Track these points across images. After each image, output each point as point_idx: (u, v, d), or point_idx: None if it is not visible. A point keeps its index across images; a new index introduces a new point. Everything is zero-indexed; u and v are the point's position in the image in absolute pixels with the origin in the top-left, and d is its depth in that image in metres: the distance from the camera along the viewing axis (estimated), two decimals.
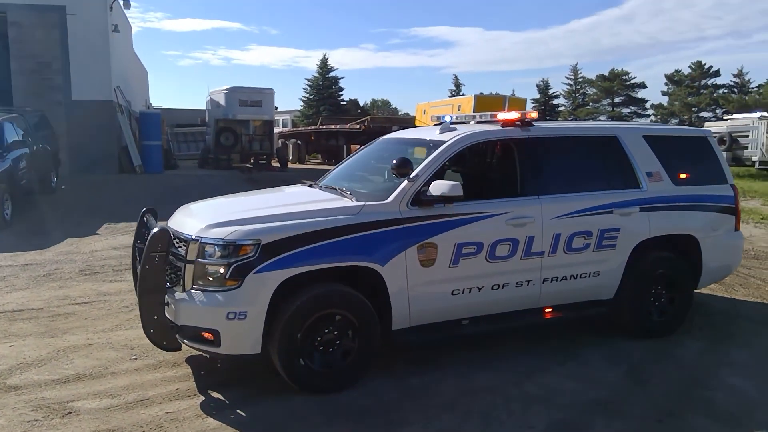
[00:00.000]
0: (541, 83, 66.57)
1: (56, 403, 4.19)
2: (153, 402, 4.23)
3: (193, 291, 4.20)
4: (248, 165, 21.60)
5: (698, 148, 5.82)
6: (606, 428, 3.84)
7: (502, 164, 5.02)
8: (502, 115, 5.18)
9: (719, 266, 5.79)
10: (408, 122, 18.04)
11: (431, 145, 4.92)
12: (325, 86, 53.56)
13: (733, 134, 21.60)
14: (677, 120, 56.60)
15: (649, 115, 61.34)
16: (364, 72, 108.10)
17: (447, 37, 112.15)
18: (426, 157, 4.74)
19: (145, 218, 5.17)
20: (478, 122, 5.43)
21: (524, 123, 5.13)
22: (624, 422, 3.93)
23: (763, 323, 5.89)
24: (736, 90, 55.84)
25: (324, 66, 53.92)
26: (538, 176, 5.02)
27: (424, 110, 33.00)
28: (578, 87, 64.65)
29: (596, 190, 5.20)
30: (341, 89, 54.73)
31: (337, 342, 4.35)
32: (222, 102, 20.70)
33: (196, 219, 4.55)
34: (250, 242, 4.10)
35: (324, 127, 20.82)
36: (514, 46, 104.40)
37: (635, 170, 5.36)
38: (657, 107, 59.24)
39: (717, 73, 56.60)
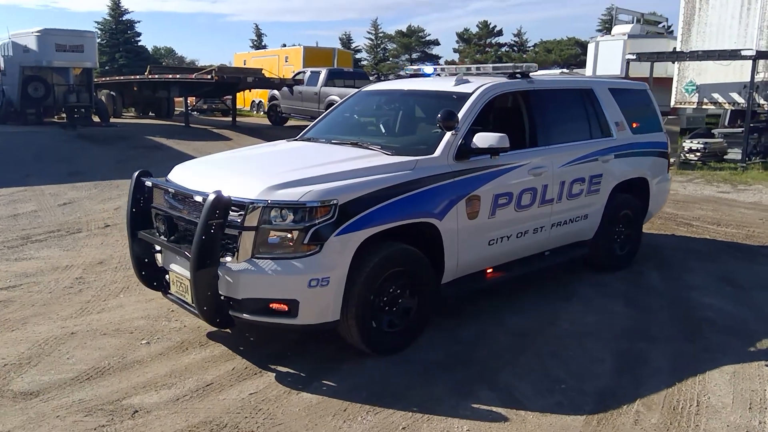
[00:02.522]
0: (344, 36, 67.38)
1: (106, 403, 3.56)
2: (222, 386, 3.79)
3: (257, 260, 3.79)
4: (59, 119, 18.97)
5: (642, 99, 6.55)
6: (661, 353, 4.32)
7: (515, 116, 5.17)
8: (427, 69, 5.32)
9: (657, 205, 6.67)
10: (256, 74, 17.17)
11: (455, 98, 4.90)
12: (119, 30, 48.30)
13: None
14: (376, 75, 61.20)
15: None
16: (139, 17, 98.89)
17: None
18: (459, 110, 4.70)
19: (143, 181, 4.46)
20: (479, 74, 5.49)
21: (524, 75, 5.33)
22: (667, 345, 4.46)
23: (697, 252, 6.91)
24: (516, 49, 61.70)
25: (116, 8, 48.46)
26: (545, 127, 5.28)
27: (245, 60, 31.70)
28: (379, 42, 66.52)
29: (584, 139, 5.63)
30: (138, 34, 49.86)
31: (399, 301, 4.26)
32: (32, 46, 17.75)
33: (241, 181, 4.04)
34: (328, 203, 3.79)
35: (157, 76, 18.94)
36: None
37: (608, 120, 5.88)
38: (450, 64, 63.41)
39: (500, 32, 62.03)
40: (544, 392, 3.75)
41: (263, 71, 17.64)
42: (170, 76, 18.12)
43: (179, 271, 4.22)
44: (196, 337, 4.50)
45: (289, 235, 3.79)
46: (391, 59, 63.85)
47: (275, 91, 20.45)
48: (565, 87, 5.81)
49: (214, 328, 4.59)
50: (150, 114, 23.38)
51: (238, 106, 22.99)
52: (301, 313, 3.82)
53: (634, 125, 6.21)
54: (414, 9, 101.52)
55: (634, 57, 14.84)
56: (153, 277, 4.58)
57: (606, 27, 56.25)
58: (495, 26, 60.94)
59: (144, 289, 5.43)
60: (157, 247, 4.54)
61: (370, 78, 23.01)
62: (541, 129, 5.21)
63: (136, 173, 4.53)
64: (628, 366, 4.13)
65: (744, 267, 6.35)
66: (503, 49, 60.91)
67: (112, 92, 22.50)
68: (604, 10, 58.01)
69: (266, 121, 22.48)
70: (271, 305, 3.85)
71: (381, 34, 65.23)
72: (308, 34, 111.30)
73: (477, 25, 61.65)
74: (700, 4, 14.56)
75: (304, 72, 19.37)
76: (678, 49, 15.01)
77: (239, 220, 3.82)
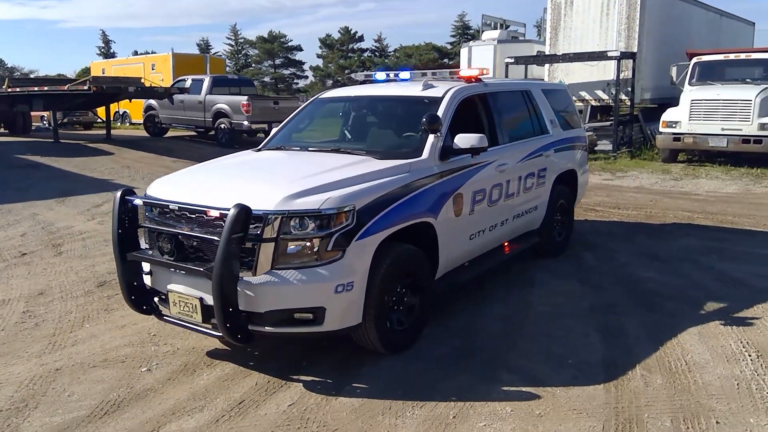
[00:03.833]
0: (202, 42, 65.34)
1: None
2: (255, 402, 3.72)
3: (279, 271, 3.77)
4: None
5: (563, 98, 7.19)
6: (632, 323, 4.84)
7: (478, 117, 5.47)
8: (464, 72, 5.61)
9: (582, 194, 7.36)
10: (136, 83, 16.15)
11: (427, 102, 5.12)
12: None
13: None
14: (332, 81, 61.89)
15: (307, 77, 65.63)
16: None
17: None
18: (436, 112, 4.91)
19: (128, 201, 4.22)
20: (435, 79, 5.75)
21: (478, 79, 5.68)
22: (633, 316, 4.99)
23: (614, 234, 7.68)
24: (378, 54, 63.40)
25: None
26: (502, 126, 5.66)
27: (103, 69, 29.77)
28: (240, 48, 65.22)
29: (530, 136, 6.11)
30: None
31: (404, 299, 4.41)
32: None
33: (252, 192, 3.96)
34: (347, 209, 3.86)
35: (18, 89, 17.16)
36: (142, 2, 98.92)
37: (544, 118, 6.42)
38: (315, 69, 63.69)
39: (362, 38, 63.41)
40: (557, 368, 4.09)
41: (143, 80, 16.72)
42: (36, 88, 16.57)
43: (183, 291, 4.05)
44: (197, 359, 4.34)
45: (309, 244, 3.81)
46: (253, 65, 62.81)
47: (152, 101, 19.44)
48: (511, 89, 6.25)
49: (214, 347, 4.49)
50: (1, 130, 21.19)
51: (98, 118, 21.55)
52: (327, 319, 3.85)
53: (563, 122, 6.82)
54: (263, 15, 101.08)
55: (512, 60, 15.98)
56: (142, 300, 4.34)
57: (459, 33, 59.61)
58: (356, 32, 62.24)
59: (108, 315, 5.18)
60: (146, 269, 4.33)
61: (255, 84, 22.48)
62: (499, 128, 5.59)
63: (119, 192, 4.26)
64: (613, 337, 4.59)
65: (658, 243, 7.20)
66: (366, 54, 62.20)
67: None
68: (456, 17, 61.36)
69: (141, 133, 21.31)
70: (295, 315, 3.85)
71: (241, 40, 64.01)
72: (156, 40, 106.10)
73: (339, 31, 62.58)
74: (565, 11, 15.99)
75: (184, 80, 18.60)
76: (547, 52, 16.37)
77: (257, 232, 3.77)
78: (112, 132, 19.22)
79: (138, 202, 4.24)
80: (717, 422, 3.41)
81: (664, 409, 3.56)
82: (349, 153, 4.83)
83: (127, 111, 26.90)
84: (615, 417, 3.49)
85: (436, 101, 5.08)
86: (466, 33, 58.49)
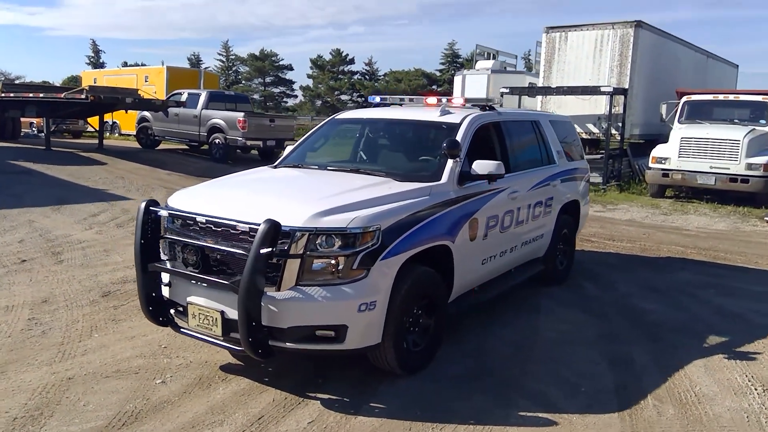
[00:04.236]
0: (192, 57, 65.43)
1: None
2: (274, 418, 3.73)
3: (303, 287, 3.81)
4: None
5: (568, 130, 7.36)
6: (638, 353, 4.93)
7: (492, 144, 5.58)
8: (431, 99, 5.77)
9: (583, 224, 7.50)
10: (133, 94, 16.09)
11: (445, 128, 5.23)
12: None
13: None
14: (321, 101, 62.24)
15: (297, 96, 65.91)
16: None
17: None
18: (455, 138, 5.00)
19: (152, 211, 4.24)
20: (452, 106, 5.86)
21: (491, 108, 5.81)
22: (638, 345, 5.08)
23: (612, 265, 7.81)
24: (368, 77, 63.90)
25: None
26: (514, 154, 5.78)
27: (95, 78, 29.62)
28: (231, 64, 65.37)
29: (539, 166, 6.24)
30: None
31: (420, 321, 4.45)
32: None
33: (280, 208, 3.99)
34: (372, 229, 3.91)
35: (12, 95, 17.01)
36: (130, 13, 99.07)
37: (551, 148, 6.56)
38: (305, 89, 63.96)
39: (352, 61, 63.90)
40: (570, 394, 4.16)
41: (139, 91, 16.68)
42: (30, 94, 16.44)
43: (204, 304, 4.05)
44: (211, 372, 4.33)
45: (334, 261, 3.85)
46: (243, 82, 62.94)
47: (146, 113, 19.38)
48: (522, 118, 6.40)
49: (227, 361, 4.49)
50: None
51: (88, 127, 21.40)
52: (349, 337, 3.88)
53: (567, 153, 6.98)
54: (252, 33, 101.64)
55: (508, 90, 16.27)
56: (160, 312, 4.33)
57: (448, 61, 60.38)
58: (347, 54, 62.68)
59: (116, 326, 5.16)
60: (165, 280, 4.33)
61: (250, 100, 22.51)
62: (512, 156, 5.70)
63: (144, 203, 4.27)
64: (621, 365, 4.67)
65: (655, 276, 7.34)
66: (356, 77, 62.65)
67: None
68: (446, 44, 62.23)
69: (132, 144, 21.22)
70: (317, 332, 3.87)
71: (232, 56, 64.17)
72: (144, 52, 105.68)
73: (330, 53, 62.99)
74: (559, 45, 16.35)
75: (180, 93, 18.59)
76: (540, 84, 16.70)
77: (284, 248, 3.81)
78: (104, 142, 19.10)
79: (163, 213, 4.25)
80: None
81: None
82: (368, 174, 4.90)
83: (117, 122, 26.72)
84: None
85: (454, 127, 5.18)
86: (455, 61, 59.30)
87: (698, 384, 4.38)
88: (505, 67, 22.57)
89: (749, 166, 12.44)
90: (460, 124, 5.20)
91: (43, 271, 6.61)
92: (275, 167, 5.52)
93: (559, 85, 15.59)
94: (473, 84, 20.69)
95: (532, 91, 16.34)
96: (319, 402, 3.94)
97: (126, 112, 18.80)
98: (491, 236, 5.19)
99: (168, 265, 4.25)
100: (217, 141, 17.38)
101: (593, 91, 14.70)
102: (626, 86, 15.16)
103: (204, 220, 4.06)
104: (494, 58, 24.08)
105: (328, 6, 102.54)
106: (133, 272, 6.50)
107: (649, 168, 13.90)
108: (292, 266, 3.82)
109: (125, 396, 3.93)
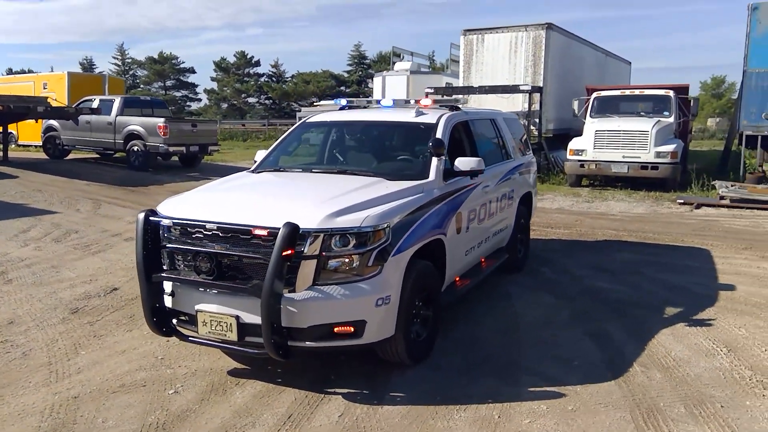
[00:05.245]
0: (85, 61, 62.10)
1: None
2: (303, 415, 3.79)
3: (321, 287, 3.90)
4: None
5: (518, 126, 7.78)
6: (613, 328, 5.36)
7: (463, 142, 5.83)
8: (425, 101, 6.00)
9: (533, 214, 7.94)
10: (44, 102, 15.05)
11: (422, 128, 5.43)
12: None
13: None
14: (227, 104, 60.83)
15: (200, 99, 64.06)
16: None
17: None
18: (436, 137, 5.22)
19: (152, 221, 4.15)
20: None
21: (456, 108, 6.08)
22: (610, 322, 5.51)
23: (557, 250, 8.29)
24: (275, 79, 63.12)
25: None
26: (482, 151, 6.07)
27: None
28: (128, 68, 62.53)
29: (500, 160, 6.58)
30: None
31: (421, 312, 4.64)
32: None
33: (291, 210, 4.03)
34: (383, 227, 4.05)
35: None
36: (8, 16, 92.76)
37: (508, 144, 6.93)
38: (210, 92, 62.28)
39: (258, 63, 62.92)
40: (568, 370, 4.48)
41: (49, 99, 15.71)
42: None
43: (216, 310, 4.03)
44: (221, 378, 4.30)
45: (349, 260, 3.96)
46: (142, 86, 60.37)
47: (52, 122, 18.29)
48: (483, 117, 6.71)
49: (233, 367, 4.48)
50: None
51: None
52: (367, 332, 4.01)
53: (519, 147, 7.39)
54: (144, 35, 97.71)
55: (432, 91, 16.73)
56: (163, 322, 4.26)
57: (355, 62, 60.78)
58: (252, 56, 61.64)
59: (100, 342, 5.04)
60: (168, 290, 4.26)
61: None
62: (480, 152, 5.99)
63: (143, 213, 4.17)
64: (602, 340, 5.07)
65: (600, 258, 7.91)
66: (263, 79, 61.72)
67: None
68: (352, 46, 62.67)
69: (37, 154, 19.94)
70: (335, 329, 3.96)
71: (129, 60, 61.37)
72: (24, 57, 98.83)
73: (234, 55, 61.70)
74: (477, 47, 17.05)
75: (91, 100, 17.68)
76: (461, 84, 17.33)
77: (300, 249, 3.87)
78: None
79: (166, 222, 4.17)
80: (721, 406, 3.92)
81: (674, 398, 4.03)
82: (357, 174, 5.01)
83: (13, 132, 24.97)
84: (637, 407, 3.91)
85: (432, 127, 5.39)
86: (362, 62, 59.78)
87: (672, 350, 4.84)
88: (420, 68, 23.15)
89: (658, 154, 13.54)
90: (437, 124, 5.42)
91: (2, 288, 6.22)
92: (257, 172, 5.49)
93: (481, 85, 16.24)
94: (393, 85, 21.12)
95: (456, 90, 16.92)
96: (341, 396, 4.03)
97: (36, 121, 17.63)
98: (471, 229, 5.45)
99: (172, 274, 4.18)
100: (135, 148, 16.69)
101: (513, 89, 15.45)
102: (541, 84, 16.05)
103: (215, 227, 4.03)
104: (402, 59, 24.66)
105: (223, 7, 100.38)
106: (95, 287, 6.39)
107: (567, 160, 14.79)
108: (307, 267, 3.89)
109: (142, 409, 3.84)
